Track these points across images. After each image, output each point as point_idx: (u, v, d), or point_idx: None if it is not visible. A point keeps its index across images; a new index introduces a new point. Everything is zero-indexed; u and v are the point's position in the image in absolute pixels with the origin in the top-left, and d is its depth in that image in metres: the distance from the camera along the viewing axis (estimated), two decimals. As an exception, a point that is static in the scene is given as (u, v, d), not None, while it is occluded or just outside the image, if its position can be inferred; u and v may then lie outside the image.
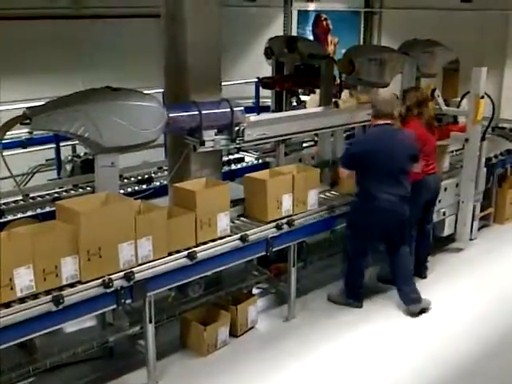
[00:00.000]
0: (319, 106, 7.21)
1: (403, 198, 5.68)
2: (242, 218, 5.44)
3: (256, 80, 9.38)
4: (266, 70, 8.39)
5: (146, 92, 4.89)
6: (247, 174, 5.60)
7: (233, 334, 5.42)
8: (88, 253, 4.15)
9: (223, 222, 4.99)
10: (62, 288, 4.07)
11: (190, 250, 4.71)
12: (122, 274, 4.32)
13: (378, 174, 5.62)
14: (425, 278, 6.58)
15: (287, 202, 5.42)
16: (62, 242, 4.05)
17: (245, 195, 5.50)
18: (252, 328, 5.62)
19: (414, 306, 5.86)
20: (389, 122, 5.73)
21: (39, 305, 3.95)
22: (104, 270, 4.26)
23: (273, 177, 5.50)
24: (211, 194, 4.96)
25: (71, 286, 4.13)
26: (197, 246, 4.80)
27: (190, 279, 4.94)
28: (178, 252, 4.69)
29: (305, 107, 8.37)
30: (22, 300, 3.91)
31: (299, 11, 12.09)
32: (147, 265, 4.48)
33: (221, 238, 4.97)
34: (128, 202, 4.53)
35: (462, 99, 7.56)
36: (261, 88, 8.99)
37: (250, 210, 5.45)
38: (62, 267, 4.06)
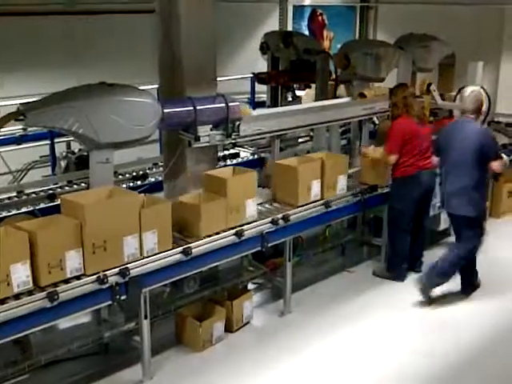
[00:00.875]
0: (314, 100, 7.20)
1: (464, 189, 5.80)
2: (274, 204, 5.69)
3: (251, 75, 9.36)
4: (262, 65, 8.39)
5: (140, 88, 4.88)
6: (278, 161, 5.81)
7: (228, 329, 5.42)
8: (93, 246, 4.19)
9: (251, 207, 5.19)
10: (67, 281, 4.11)
11: (185, 246, 4.71)
12: (116, 270, 4.32)
13: (447, 162, 5.97)
14: (419, 272, 6.59)
15: (316, 187, 5.71)
16: (66, 235, 4.10)
17: (274, 181, 5.76)
18: (247, 323, 5.62)
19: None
20: (471, 116, 5.90)
21: (34, 301, 3.94)
22: (108, 263, 4.31)
23: (302, 163, 5.73)
24: (240, 181, 5.18)
25: (77, 278, 4.16)
26: (227, 230, 5.02)
27: (186, 275, 4.94)
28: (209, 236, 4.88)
29: (300, 102, 8.36)
30: (18, 296, 3.91)
31: (295, 6, 12.05)
32: (153, 257, 4.52)
33: (249, 223, 5.18)
34: (133, 195, 4.61)
35: (457, 94, 7.56)
36: (256, 83, 8.98)
37: (280, 195, 5.69)
38: (66, 260, 4.10)
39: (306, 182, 5.64)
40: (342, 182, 5.99)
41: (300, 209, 5.61)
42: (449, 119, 7.60)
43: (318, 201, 5.78)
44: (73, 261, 4.14)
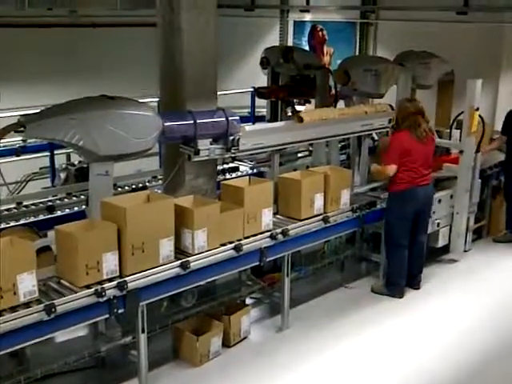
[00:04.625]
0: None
1: None
2: (278, 216, 5.69)
3: (252, 90, 9.39)
4: (262, 80, 8.41)
5: (141, 101, 4.89)
6: (281, 175, 5.85)
7: (225, 344, 5.39)
8: (132, 247, 4.34)
9: (267, 217, 5.29)
10: (101, 282, 4.24)
11: (183, 260, 4.70)
12: (114, 283, 4.30)
13: None
14: (418, 288, 6.58)
15: (319, 200, 5.76)
16: (104, 238, 4.26)
17: (278, 194, 5.75)
18: (245, 338, 5.59)
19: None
20: None
21: (31, 314, 3.92)
22: (145, 265, 4.47)
23: (306, 177, 5.80)
24: (257, 191, 5.29)
25: (110, 280, 4.30)
26: (243, 239, 5.14)
27: (183, 289, 4.92)
28: (224, 245, 4.99)
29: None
30: (24, 305, 3.93)
31: (295, 22, 12.13)
32: (154, 269, 4.53)
33: (263, 233, 5.28)
34: (169, 199, 4.71)
35: (452, 124, 7.55)
36: (256, 98, 9.00)
37: (284, 209, 5.73)
38: (103, 262, 4.23)
39: (308, 195, 5.68)
40: (345, 197, 6.03)
41: (299, 223, 5.60)
42: (446, 156, 7.62)
43: (320, 215, 5.80)
44: (109, 263, 4.26)
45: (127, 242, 4.33)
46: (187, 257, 4.73)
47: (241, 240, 5.11)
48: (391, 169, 6.17)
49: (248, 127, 5.72)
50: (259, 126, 6.38)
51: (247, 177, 5.64)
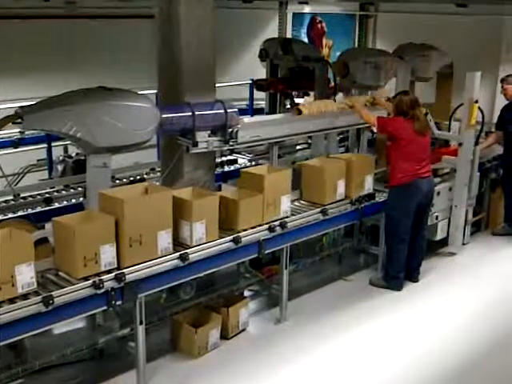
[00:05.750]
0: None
1: None
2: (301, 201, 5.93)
3: (250, 82, 9.37)
4: (261, 72, 8.39)
5: (139, 92, 4.87)
6: (304, 162, 6.14)
7: (224, 336, 5.39)
8: (130, 239, 4.34)
9: (285, 203, 5.40)
10: (99, 274, 4.23)
11: (182, 252, 4.69)
12: (112, 275, 4.30)
13: None
14: (416, 281, 6.58)
15: (341, 186, 5.98)
16: (102, 230, 4.25)
17: (302, 181, 5.97)
18: (243, 330, 5.59)
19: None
20: None
21: (29, 305, 3.91)
22: (143, 257, 4.46)
23: (328, 164, 6.01)
24: (276, 178, 5.37)
25: (108, 272, 4.28)
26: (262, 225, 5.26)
27: (182, 281, 4.91)
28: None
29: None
30: (22, 297, 3.93)
31: (294, 13, 12.08)
32: (152, 262, 4.52)
33: (282, 219, 5.39)
34: (167, 191, 4.71)
35: (451, 116, 7.54)
36: (255, 90, 8.98)
37: (307, 195, 5.93)
38: (101, 254, 4.23)
39: (332, 181, 5.89)
40: (369, 182, 6.27)
41: (299, 216, 5.60)
42: (445, 148, 7.60)
43: (342, 200, 6.01)
44: (107, 254, 4.26)
45: (125, 234, 4.32)
46: (185, 249, 4.72)
47: (261, 225, 5.25)
48: (374, 119, 6.18)
49: (246, 119, 5.71)
50: (258, 118, 6.35)
51: (266, 165, 5.80)
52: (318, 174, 5.86)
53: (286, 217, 5.44)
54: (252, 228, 5.16)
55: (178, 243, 4.76)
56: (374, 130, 6.64)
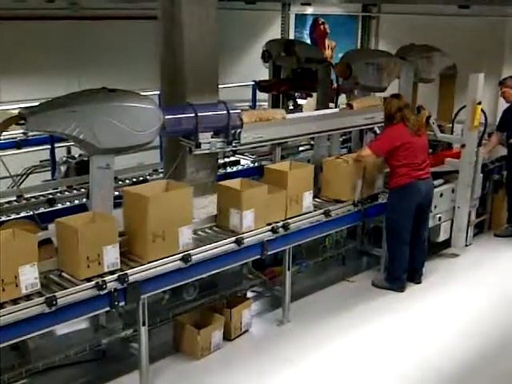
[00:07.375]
0: (316, 109, 7.19)
1: None
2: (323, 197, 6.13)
3: (253, 83, 9.37)
4: (264, 73, 8.39)
5: (142, 94, 4.87)
6: (325, 159, 6.33)
7: (226, 337, 5.39)
8: (153, 235, 4.45)
9: (307, 199, 5.57)
10: (102, 275, 4.26)
11: (185, 253, 4.69)
12: (115, 276, 4.30)
13: None
14: (419, 283, 6.58)
15: (359, 184, 6.17)
16: (105, 231, 4.30)
17: (322, 178, 6.18)
18: (246, 332, 5.59)
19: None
20: None
21: (32, 306, 3.92)
22: (166, 252, 4.58)
23: (347, 163, 6.15)
24: (299, 175, 5.54)
25: (111, 273, 4.31)
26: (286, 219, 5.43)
27: (185, 282, 4.91)
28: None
29: (301, 111, 8.35)
30: (26, 297, 3.94)
31: (297, 15, 12.08)
32: (154, 263, 4.53)
33: (305, 214, 5.59)
34: (188, 188, 4.80)
35: (454, 118, 7.51)
36: (258, 91, 8.98)
37: (327, 192, 6.14)
38: (104, 255, 4.26)
39: (352, 179, 6.08)
40: (379, 181, 6.44)
41: (300, 217, 5.60)
42: (448, 151, 7.60)
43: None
44: (110, 255, 4.29)
45: (149, 229, 4.43)
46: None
47: (284, 220, 5.40)
48: (365, 152, 6.11)
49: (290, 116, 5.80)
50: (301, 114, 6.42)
51: (289, 161, 5.88)
52: (339, 171, 6.05)
53: (308, 212, 5.61)
54: (275, 223, 5.32)
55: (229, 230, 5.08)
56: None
